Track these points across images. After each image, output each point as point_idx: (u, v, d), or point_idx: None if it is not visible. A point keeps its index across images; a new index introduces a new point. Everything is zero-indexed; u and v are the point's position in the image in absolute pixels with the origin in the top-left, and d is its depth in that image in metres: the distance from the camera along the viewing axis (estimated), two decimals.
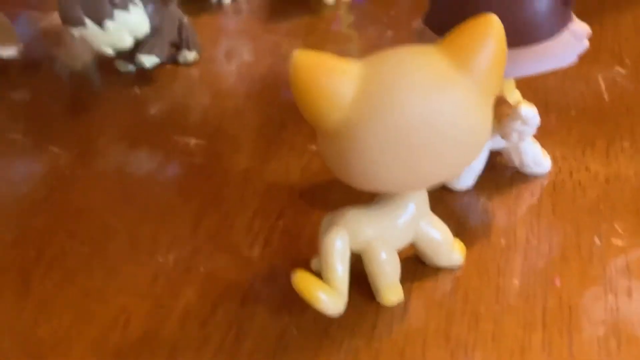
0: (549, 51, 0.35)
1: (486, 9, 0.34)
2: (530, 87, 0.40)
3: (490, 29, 0.29)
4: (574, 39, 0.35)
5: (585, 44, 0.36)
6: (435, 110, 0.28)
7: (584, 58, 0.35)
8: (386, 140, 0.28)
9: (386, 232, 0.31)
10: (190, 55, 0.50)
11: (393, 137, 0.28)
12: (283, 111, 0.44)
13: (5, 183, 0.39)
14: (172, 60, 0.50)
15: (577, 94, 0.45)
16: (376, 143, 0.28)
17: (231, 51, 0.52)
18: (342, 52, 0.49)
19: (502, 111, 0.36)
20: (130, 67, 0.49)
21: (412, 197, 0.31)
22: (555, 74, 0.34)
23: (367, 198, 0.30)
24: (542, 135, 0.40)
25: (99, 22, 0.43)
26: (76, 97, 0.47)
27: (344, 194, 0.32)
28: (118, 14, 0.43)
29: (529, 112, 0.34)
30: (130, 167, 0.40)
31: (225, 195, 0.38)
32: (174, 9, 0.49)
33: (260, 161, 0.40)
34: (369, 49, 0.51)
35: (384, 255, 0.31)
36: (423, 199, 0.32)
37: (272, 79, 0.48)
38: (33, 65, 0.50)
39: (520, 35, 0.34)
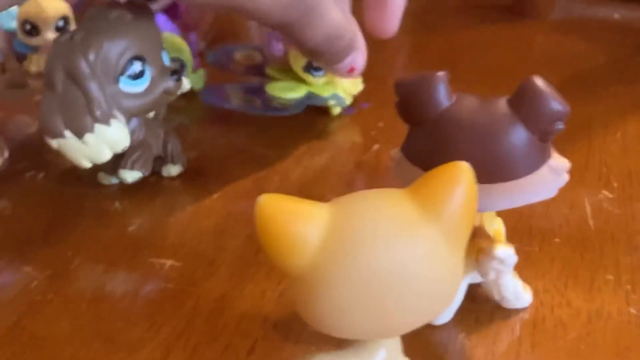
0: (527, 187, 0.34)
1: (462, 145, 0.35)
2: (514, 213, 0.40)
3: (459, 176, 0.28)
4: (552, 175, 0.35)
5: (565, 178, 0.35)
6: (401, 260, 0.27)
7: (570, 180, 0.35)
8: (351, 288, 0.27)
9: None
10: (174, 169, 0.50)
11: (358, 286, 0.27)
12: None
13: None
14: (155, 173, 0.49)
15: (562, 220, 0.44)
16: (341, 291, 0.27)
17: (217, 164, 0.52)
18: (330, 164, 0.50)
19: (479, 246, 0.35)
20: (113, 180, 0.49)
21: (384, 342, 0.30)
22: None
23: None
24: (524, 265, 0.40)
25: (79, 135, 0.43)
26: (56, 211, 0.47)
27: None
28: (99, 127, 0.43)
29: (505, 253, 0.33)
30: (102, 292, 0.39)
31: (196, 326, 0.37)
32: (160, 123, 0.49)
33: (236, 287, 0.39)
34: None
35: None
36: (395, 343, 0.31)
37: (255, 195, 0.48)
38: (16, 174, 0.50)
39: (497, 172, 0.34)
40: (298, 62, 0.54)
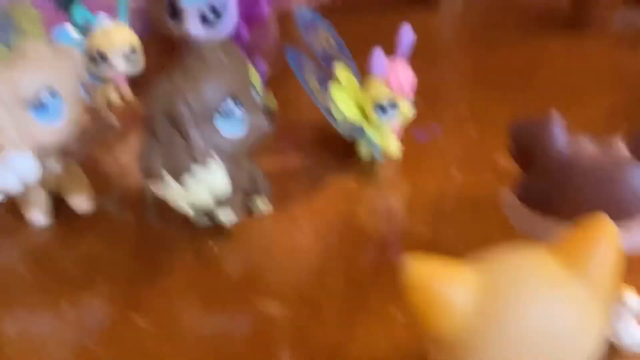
0: None
1: (584, 188, 0.34)
2: None
3: (604, 232, 0.28)
4: None
5: None
6: (553, 320, 0.27)
7: None
8: (504, 349, 0.27)
9: None
10: (262, 203, 0.49)
11: (511, 347, 0.27)
12: (365, 273, 0.44)
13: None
14: (245, 210, 0.49)
15: None
16: (494, 353, 0.27)
17: (300, 195, 0.52)
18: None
19: None
20: (206, 221, 0.48)
21: None
22: None
23: None
24: None
25: (178, 178, 0.43)
26: (153, 254, 0.47)
27: None
28: (198, 170, 0.43)
29: (635, 301, 0.33)
30: (215, 335, 0.39)
31: None
32: (245, 156, 0.49)
33: (346, 335, 0.39)
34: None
35: None
36: None
37: (346, 230, 0.48)
38: (105, 214, 0.50)
39: (619, 211, 0.34)
40: (374, 95, 0.53)
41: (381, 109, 0.53)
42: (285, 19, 0.69)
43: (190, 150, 0.43)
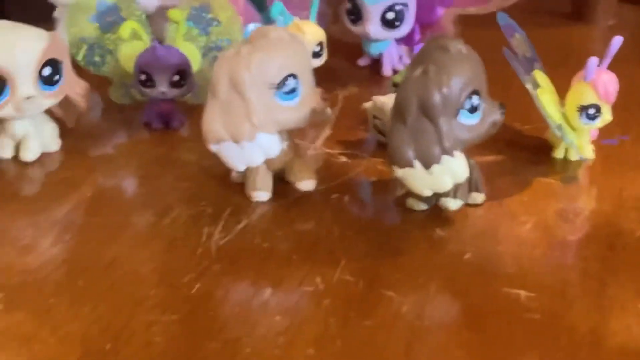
0: None
1: None
2: None
3: None
4: None
5: None
6: None
7: None
8: None
9: None
10: (479, 198, 0.51)
11: None
12: (599, 268, 0.45)
13: (352, 332, 0.40)
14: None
15: None
16: None
17: (514, 195, 0.53)
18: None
19: None
20: (422, 206, 0.50)
21: None
22: None
23: None
24: None
25: (427, 166, 0.45)
26: (379, 235, 0.49)
27: None
28: (445, 159, 0.45)
29: None
30: (471, 322, 0.41)
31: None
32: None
33: (600, 324, 0.40)
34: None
35: None
36: None
37: (565, 225, 0.49)
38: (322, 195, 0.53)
39: None
40: (581, 100, 0.55)
41: (586, 113, 0.55)
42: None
43: (440, 140, 0.45)
